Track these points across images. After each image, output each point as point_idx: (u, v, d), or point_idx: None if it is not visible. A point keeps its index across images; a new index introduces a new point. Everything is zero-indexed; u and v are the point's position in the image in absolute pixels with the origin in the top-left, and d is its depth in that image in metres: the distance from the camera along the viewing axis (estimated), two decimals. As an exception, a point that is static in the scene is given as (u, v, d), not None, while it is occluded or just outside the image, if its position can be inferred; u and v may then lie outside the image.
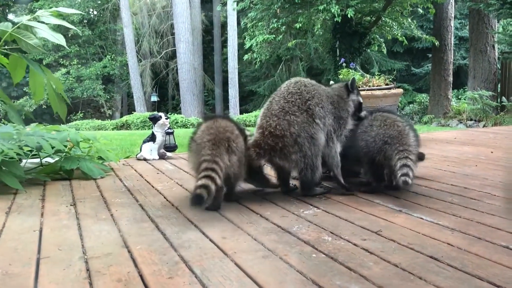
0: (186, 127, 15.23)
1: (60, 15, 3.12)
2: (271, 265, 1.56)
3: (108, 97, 24.50)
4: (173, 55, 24.07)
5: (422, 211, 2.17)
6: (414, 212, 2.16)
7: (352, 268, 1.50)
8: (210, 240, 1.83)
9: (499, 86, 12.73)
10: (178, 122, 15.68)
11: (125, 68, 24.16)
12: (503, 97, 11.62)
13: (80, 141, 3.43)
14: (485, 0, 9.70)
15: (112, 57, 24.53)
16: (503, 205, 2.24)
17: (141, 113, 19.06)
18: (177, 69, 22.61)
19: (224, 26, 24.07)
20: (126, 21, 22.22)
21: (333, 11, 10.87)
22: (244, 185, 2.86)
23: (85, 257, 1.67)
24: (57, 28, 14.21)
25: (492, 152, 3.94)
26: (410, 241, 1.75)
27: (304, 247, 1.73)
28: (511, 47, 9.90)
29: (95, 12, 25.99)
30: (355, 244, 1.74)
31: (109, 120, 19.39)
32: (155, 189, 2.86)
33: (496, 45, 12.78)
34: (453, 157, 3.75)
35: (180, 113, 19.95)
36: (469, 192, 2.53)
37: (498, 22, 13.35)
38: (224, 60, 23.76)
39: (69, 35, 22.15)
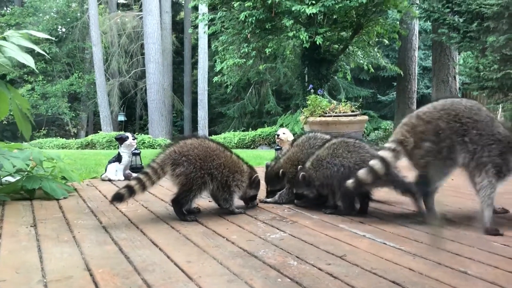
0: (153, 148, 15.05)
1: (29, 38, 3.09)
2: (236, 290, 1.55)
3: (74, 115, 24.04)
4: (142, 75, 23.95)
5: (386, 236, 2.21)
6: (377, 237, 2.20)
7: (317, 293, 1.51)
8: (175, 263, 1.81)
9: (459, 115, 13.22)
10: (145, 142, 15.49)
11: (92, 86, 23.83)
12: (463, 126, 12.06)
13: (44, 160, 3.34)
14: (447, 33, 10.14)
15: (80, 75, 24.18)
16: (461, 231, 2.31)
17: (107, 132, 18.76)
18: (145, 89, 22.48)
19: (195, 48, 24.21)
20: (95, 40, 22.03)
21: (302, 37, 11.12)
22: (210, 209, 2.85)
23: (45, 280, 1.62)
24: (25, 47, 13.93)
25: (452, 179, 4.07)
26: (374, 266, 1.78)
27: (270, 271, 1.73)
28: (471, 79, 10.35)
29: (63, 30, 25.66)
30: (320, 269, 1.75)
31: (73, 139, 18.97)
32: (120, 211, 2.81)
33: (457, 76, 13.33)
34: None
35: (147, 133, 19.75)
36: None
37: (459, 54, 13.96)
38: (194, 82, 23.82)
39: (35, 51, 21.72)
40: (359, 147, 2.69)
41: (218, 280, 1.64)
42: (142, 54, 23.53)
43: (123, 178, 4.00)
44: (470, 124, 2.42)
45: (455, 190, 3.54)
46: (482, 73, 9.75)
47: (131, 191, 2.48)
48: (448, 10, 10.03)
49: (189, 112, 24.08)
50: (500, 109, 7.09)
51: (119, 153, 4.01)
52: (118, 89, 24.18)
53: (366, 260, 1.86)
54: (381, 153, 2.51)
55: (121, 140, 4.00)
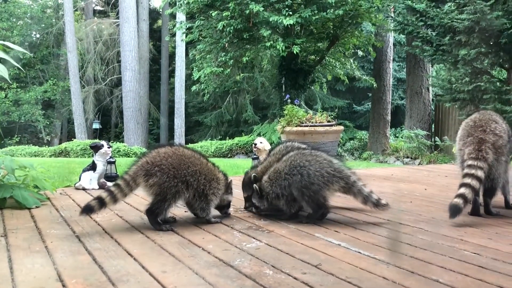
0: (128, 156, 14.87)
1: (5, 50, 3.03)
2: (212, 300, 1.55)
3: (48, 122, 23.58)
4: (118, 83, 23.70)
5: (360, 245, 2.24)
6: (352, 246, 2.22)
7: (292, 302, 1.52)
8: (150, 274, 1.79)
9: (433, 126, 13.53)
10: (120, 151, 15.30)
11: (67, 93, 23.44)
12: (436, 137, 12.33)
13: (15, 168, 3.27)
14: (420, 46, 10.38)
15: (54, 82, 23.77)
16: (434, 240, 2.35)
17: (81, 140, 18.45)
18: (121, 97, 22.26)
19: (172, 56, 24.12)
20: (71, 46, 21.73)
21: (278, 47, 11.22)
22: (186, 218, 2.84)
23: (15, 292, 1.58)
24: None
25: (426, 189, 4.15)
26: (348, 274, 1.80)
27: (245, 281, 1.73)
28: (443, 91, 10.60)
29: (37, 35, 25.23)
30: (295, 278, 1.76)
31: (47, 146, 18.59)
32: (94, 220, 2.77)
33: (430, 88, 13.64)
34: (390, 193, 3.91)
35: (123, 141, 19.52)
36: (404, 228, 2.64)
37: (432, 66, 14.30)
38: (171, 90, 23.70)
39: (10, 55, 21.26)
40: (316, 155, 2.77)
41: (193, 290, 1.63)
42: (119, 61, 23.31)
43: (97, 187, 3.94)
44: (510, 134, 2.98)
45: (429, 200, 3.61)
46: (454, 85, 10.01)
47: (101, 203, 2.46)
48: (422, 23, 10.28)
49: (166, 120, 23.92)
50: (471, 121, 7.27)
51: (93, 162, 3.95)
52: (93, 97, 23.85)
53: (341, 269, 1.88)
54: (473, 171, 2.76)
55: (96, 148, 3.95)
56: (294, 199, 2.74)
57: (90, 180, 3.93)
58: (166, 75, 24.59)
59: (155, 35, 26.13)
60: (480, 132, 2.88)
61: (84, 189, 3.90)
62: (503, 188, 3.10)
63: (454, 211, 2.65)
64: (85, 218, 2.80)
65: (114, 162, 4.17)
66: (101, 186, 3.98)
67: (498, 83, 9.57)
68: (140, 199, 3.52)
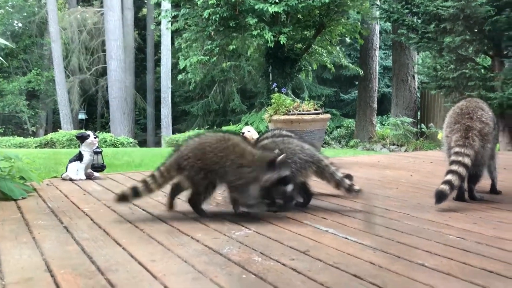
0: (115, 146, 14.79)
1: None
2: (201, 287, 1.56)
3: (32, 113, 23.26)
4: (103, 72, 23.45)
5: (347, 231, 2.27)
6: (340, 232, 2.25)
7: (281, 288, 1.54)
8: (139, 262, 1.80)
9: (419, 113, 13.65)
10: (107, 141, 15.18)
11: (51, 83, 23.13)
12: (422, 124, 12.46)
13: (0, 159, 3.23)
14: (406, 34, 10.42)
15: (38, 72, 23.41)
16: (420, 226, 2.39)
17: (67, 130, 18.26)
18: (107, 87, 22.04)
19: (157, 45, 23.90)
20: (54, 36, 21.39)
21: (266, 37, 11.18)
22: (174, 206, 2.84)
23: (3, 283, 1.58)
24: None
25: (411, 176, 4.21)
26: (336, 260, 1.83)
27: (235, 268, 1.75)
28: (429, 78, 10.69)
29: (20, 24, 24.77)
30: (284, 264, 1.78)
31: (32, 137, 18.38)
32: (82, 210, 2.76)
33: (416, 76, 13.74)
34: (376, 180, 3.95)
35: (109, 131, 19.37)
36: (390, 213, 2.68)
37: (418, 54, 14.39)
38: (157, 79, 23.52)
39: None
40: (288, 142, 2.75)
41: (183, 278, 1.64)
42: (103, 51, 23.04)
43: (84, 177, 3.92)
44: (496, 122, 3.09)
45: (414, 186, 3.66)
46: (439, 73, 10.09)
47: (136, 193, 2.52)
48: (407, 11, 10.31)
49: (152, 110, 23.76)
50: (456, 108, 7.36)
51: (80, 152, 3.92)
52: (78, 87, 23.58)
53: (328, 254, 1.90)
54: (460, 158, 2.80)
55: (82, 138, 3.92)
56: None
57: (77, 170, 3.90)
58: (152, 64, 24.38)
59: (140, 23, 25.85)
60: (467, 119, 2.92)
61: (71, 179, 3.88)
62: (491, 173, 3.17)
63: (440, 197, 2.70)
64: (72, 209, 2.79)
65: (100, 152, 4.14)
66: (88, 177, 3.96)
67: (482, 70, 9.67)
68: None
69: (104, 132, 17.63)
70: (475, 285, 1.57)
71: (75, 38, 24.00)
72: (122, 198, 2.53)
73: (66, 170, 3.94)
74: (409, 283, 1.59)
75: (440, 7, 9.09)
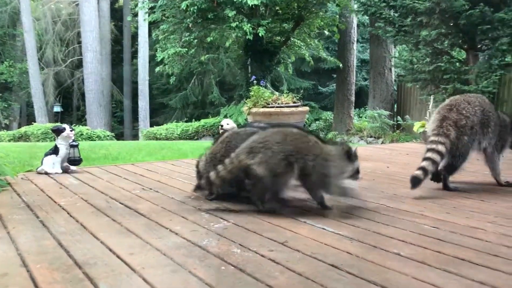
0: (92, 140, 14.57)
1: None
2: (180, 279, 1.57)
3: (5, 106, 22.70)
4: (79, 64, 23.03)
5: (325, 222, 2.30)
6: (317, 223, 2.28)
7: (259, 279, 1.55)
8: (117, 256, 1.79)
9: (395, 106, 13.83)
10: (83, 134, 14.94)
11: (25, 75, 22.58)
12: (399, 117, 12.63)
13: (-28, 153, 3.15)
14: (383, 27, 10.53)
15: (11, 64, 22.82)
16: (396, 216, 2.44)
17: (42, 124, 17.89)
18: (83, 79, 21.67)
19: (134, 36, 23.58)
20: (27, 26, 20.87)
21: (245, 29, 11.14)
22: (153, 200, 2.82)
23: (-23, 278, 1.55)
24: None
25: (388, 167, 4.27)
26: (314, 250, 1.85)
27: (214, 260, 1.75)
28: (405, 71, 10.83)
29: (-9, 15, 24.08)
30: (262, 255, 1.80)
31: (5, 131, 17.95)
32: (58, 204, 2.72)
33: (393, 69, 13.90)
34: (354, 172, 4.00)
35: (85, 124, 19.07)
36: (367, 204, 2.72)
37: (394, 47, 14.54)
38: (134, 71, 23.21)
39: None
40: (252, 133, 2.74)
41: (161, 270, 1.64)
42: (79, 42, 22.60)
43: (60, 171, 3.86)
44: (489, 118, 3.09)
45: (390, 177, 3.72)
46: (415, 66, 10.22)
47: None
48: (384, 4, 10.40)
49: (129, 103, 23.46)
50: (431, 100, 7.49)
51: (56, 145, 3.85)
52: (53, 79, 23.11)
53: (306, 245, 1.93)
54: (434, 146, 2.93)
55: (57, 131, 3.85)
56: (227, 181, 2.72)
57: (52, 164, 3.84)
58: (129, 56, 24.04)
59: (116, 15, 25.41)
60: (446, 110, 3.08)
61: (46, 173, 3.81)
62: (493, 170, 3.25)
63: (415, 182, 2.85)
64: (48, 203, 2.75)
65: (77, 146, 4.08)
66: (65, 170, 3.90)
67: (457, 64, 9.84)
68: (105, 182, 3.48)
69: (80, 125, 17.34)
70: (448, 272, 1.61)
71: (49, 29, 23.46)
72: (199, 188, 2.70)
73: (42, 164, 3.88)
74: (385, 272, 1.63)
75: (417, 1, 9.21)
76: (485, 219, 2.34)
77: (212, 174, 2.55)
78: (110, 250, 1.86)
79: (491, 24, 8.77)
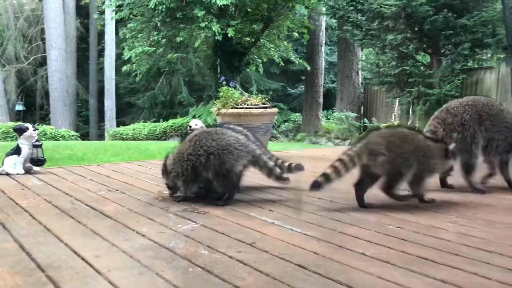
0: (56, 139, 14.19)
1: None
2: (147, 282, 1.55)
3: (-36, 104, 21.83)
4: (43, 62, 22.37)
5: (293, 223, 2.32)
6: (285, 224, 2.30)
7: (227, 280, 1.55)
8: (82, 258, 1.75)
9: (362, 108, 14.09)
10: (46, 134, 14.52)
11: (-15, 72, 21.78)
12: (365, 119, 12.87)
13: None
14: (351, 31, 10.71)
15: (-31, 60, 21.99)
16: (362, 216, 2.49)
17: (3, 123, 17.28)
18: (47, 77, 21.06)
19: (101, 34, 23.11)
20: (-12, 22, 20.15)
21: (214, 29, 11.10)
22: (119, 201, 2.78)
23: None
24: None
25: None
26: (281, 251, 1.86)
27: (181, 262, 1.74)
28: (372, 74, 11.06)
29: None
30: (230, 257, 1.80)
31: (-37, 129, 17.24)
32: (20, 206, 2.64)
33: (360, 72, 14.15)
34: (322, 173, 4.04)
35: (49, 124, 18.53)
36: (334, 205, 2.77)
37: (362, 50, 14.81)
38: (101, 70, 22.75)
39: None
40: (222, 133, 2.78)
41: (128, 273, 1.62)
42: (43, 39, 21.96)
43: (22, 171, 3.74)
44: (485, 117, 3.13)
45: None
46: (382, 69, 10.45)
47: (327, 178, 2.61)
48: (352, 8, 10.58)
49: (95, 102, 22.97)
50: (397, 103, 7.67)
51: (18, 145, 3.74)
52: (15, 76, 22.35)
53: (274, 246, 1.94)
54: None
55: (20, 131, 3.74)
56: (193, 180, 2.75)
57: (14, 164, 3.72)
58: (95, 54, 23.53)
59: (82, 12, 24.84)
60: (438, 112, 3.28)
61: (8, 174, 3.69)
62: (502, 170, 3.27)
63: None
64: (10, 205, 2.67)
65: (40, 146, 3.97)
66: (27, 171, 3.79)
67: (422, 67, 10.11)
68: (69, 183, 3.40)
69: (43, 125, 16.84)
70: (411, 271, 1.66)
71: (11, 25, 22.70)
72: (316, 185, 2.60)
73: (3, 164, 3.75)
74: (351, 272, 1.66)
75: (383, 5, 9.41)
76: (447, 219, 2.41)
77: (330, 171, 2.63)
78: (75, 252, 1.82)
79: (454, 30, 9.06)
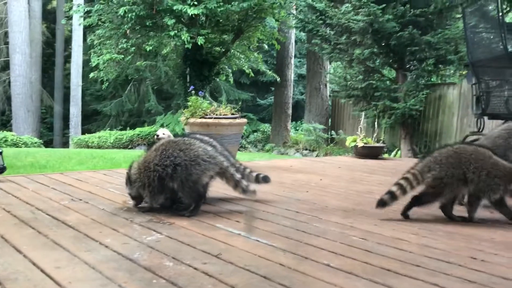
0: (17, 146, 13.77)
1: None
2: (109, 294, 1.52)
3: None
4: (6, 66, 21.72)
5: (259, 234, 2.32)
6: (251, 235, 2.30)
7: (192, 292, 1.54)
8: (42, 270, 1.70)
9: (330, 120, 14.31)
10: (7, 140, 14.07)
11: None
12: (333, 131, 13.07)
13: None
14: (319, 44, 10.89)
15: None
16: (327, 228, 2.51)
17: (-39, 128, 16.67)
18: (9, 82, 20.44)
19: (68, 40, 22.68)
20: None
21: (183, 38, 11.07)
22: (82, 211, 2.72)
23: None
24: None
25: (321, 180, 4.40)
26: (247, 262, 1.86)
27: (145, 273, 1.71)
28: (339, 87, 11.27)
29: None
30: (195, 268, 1.78)
31: None
32: (-23, 215, 2.54)
33: (328, 84, 14.39)
34: (289, 183, 4.08)
35: (11, 130, 17.97)
36: (300, 216, 2.79)
37: (330, 64, 15.08)
38: (67, 76, 22.29)
39: None
40: (190, 143, 2.74)
41: (90, 285, 1.58)
42: (6, 43, 21.35)
43: (-19, 179, 3.61)
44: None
45: (323, 189, 3.83)
46: (349, 83, 10.66)
47: (393, 196, 2.67)
48: (321, 22, 10.78)
49: (60, 109, 22.43)
50: (363, 116, 7.83)
51: (-24, 152, 3.61)
52: (-25, 80, 21.61)
53: (240, 257, 1.93)
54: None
55: (-21, 137, 3.61)
56: (160, 191, 2.70)
57: (-28, 172, 3.59)
58: (61, 60, 23.04)
59: (49, 16, 24.33)
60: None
61: (-36, 182, 3.55)
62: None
63: None
64: (-35, 214, 2.56)
65: (0, 153, 3.84)
66: (-15, 179, 3.65)
67: (388, 82, 10.38)
68: (30, 192, 3.30)
69: (5, 131, 16.31)
70: (374, 283, 1.68)
71: (-28, 27, 22.01)
72: (381, 203, 2.67)
73: (-41, 172, 3.61)
74: (315, 283, 1.67)
75: (351, 20, 9.63)
76: (409, 231, 2.46)
77: (396, 188, 2.67)
78: (34, 264, 1.77)
79: (419, 46, 9.36)
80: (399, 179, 2.72)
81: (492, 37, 4.22)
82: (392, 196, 2.69)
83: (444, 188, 2.62)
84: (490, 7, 4.19)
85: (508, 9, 6.16)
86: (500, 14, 3.79)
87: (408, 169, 2.74)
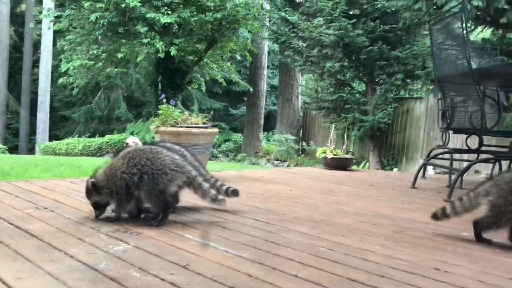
0: (-19, 152, 13.32)
1: None
2: (73, 305, 1.48)
3: None
4: (-30, 69, 21.06)
5: (228, 244, 2.32)
6: (220, 246, 2.29)
7: (158, 303, 1.52)
8: (3, 282, 1.65)
9: (301, 131, 14.45)
10: (-29, 145, 13.63)
11: None
12: (304, 142, 13.20)
13: None
14: (292, 56, 11.03)
15: None
16: (295, 238, 2.53)
17: None
18: (-26, 86, 19.84)
19: (37, 44, 22.20)
20: None
21: (157, 46, 11.02)
22: (46, 220, 2.66)
23: None
24: None
25: (291, 190, 4.43)
26: (215, 273, 1.85)
27: (111, 284, 1.68)
28: (311, 99, 11.41)
29: None
30: (162, 279, 1.76)
31: None
32: None
33: (300, 96, 14.56)
34: (259, 194, 4.09)
35: (-26, 135, 17.39)
36: (270, 227, 2.79)
37: (302, 76, 15.28)
38: (34, 81, 21.78)
39: None
40: (157, 152, 2.72)
41: (52, 296, 1.54)
42: (-28, 45, 20.74)
43: None
44: None
45: (293, 200, 3.86)
46: (320, 95, 10.81)
47: (445, 214, 2.69)
48: (294, 34, 10.93)
49: (27, 114, 21.88)
50: (333, 128, 7.95)
51: None
52: None
53: (208, 268, 1.92)
54: None
55: None
56: (127, 199, 2.67)
57: None
58: (29, 65, 22.52)
59: (17, 19, 23.79)
60: None
61: None
62: None
63: None
64: None
65: (-38, 159, 3.72)
66: None
67: (357, 95, 10.58)
68: (-7, 200, 3.20)
69: (-33, 136, 15.80)
70: (340, 293, 1.70)
71: None
72: (435, 217, 2.73)
73: None
74: (283, 294, 1.68)
75: (323, 34, 9.79)
76: (375, 242, 2.51)
77: (449, 208, 2.65)
78: (-6, 275, 1.71)
79: (387, 61, 9.60)
80: (456, 199, 2.70)
81: (457, 54, 4.35)
82: (444, 213, 2.69)
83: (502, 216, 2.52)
84: (455, 25, 4.33)
85: (472, 27, 6.39)
86: (465, 32, 3.92)
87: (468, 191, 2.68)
